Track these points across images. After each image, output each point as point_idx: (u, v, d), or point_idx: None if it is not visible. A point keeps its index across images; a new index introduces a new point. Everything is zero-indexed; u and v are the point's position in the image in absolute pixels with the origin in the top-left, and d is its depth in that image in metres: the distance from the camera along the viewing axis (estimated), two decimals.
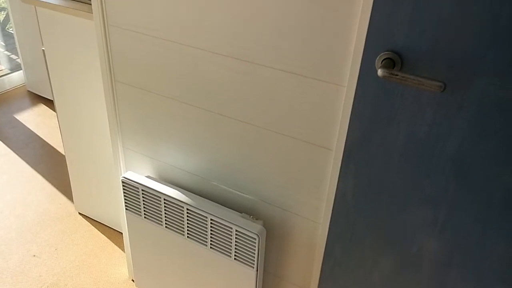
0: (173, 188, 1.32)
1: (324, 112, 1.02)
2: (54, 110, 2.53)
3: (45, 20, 1.64)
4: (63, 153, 2.52)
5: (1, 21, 3.98)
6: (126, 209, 1.43)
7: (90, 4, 1.50)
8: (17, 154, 2.51)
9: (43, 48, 1.72)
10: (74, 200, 2.09)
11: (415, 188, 0.96)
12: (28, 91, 3.14)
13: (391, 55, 0.84)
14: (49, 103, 3.03)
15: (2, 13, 4.12)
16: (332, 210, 1.11)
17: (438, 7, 0.78)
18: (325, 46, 0.94)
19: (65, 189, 2.26)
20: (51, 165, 2.43)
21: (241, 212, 1.29)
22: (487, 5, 0.74)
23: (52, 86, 1.79)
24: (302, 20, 0.94)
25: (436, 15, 0.78)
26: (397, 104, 0.89)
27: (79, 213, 2.11)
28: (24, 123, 2.79)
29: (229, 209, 1.27)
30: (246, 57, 1.06)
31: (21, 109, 2.94)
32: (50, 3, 1.52)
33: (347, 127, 0.99)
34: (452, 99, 0.84)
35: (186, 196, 1.29)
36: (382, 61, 0.85)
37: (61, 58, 1.69)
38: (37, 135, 2.69)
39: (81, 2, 1.54)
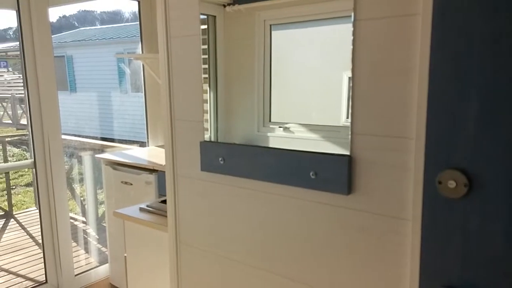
0: None
1: None
2: None
3: (129, 230, 1.85)
4: None
5: (100, 215, 4.49)
6: None
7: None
8: None
9: (125, 255, 1.88)
10: None
11: None
12: (111, 283, 3.31)
13: None
14: None
15: (103, 206, 4.66)
16: None
17: (489, 245, 0.78)
18: (377, 276, 0.94)
19: None
20: None
21: None
22: None
23: None
24: (354, 250, 0.98)
25: (485, 254, 0.78)
26: None
27: None
28: None
29: None
30: (303, 279, 1.08)
31: None
32: (136, 218, 1.73)
33: None
34: None
35: None
36: None
37: (140, 265, 1.83)
38: None
39: (162, 216, 1.73)
